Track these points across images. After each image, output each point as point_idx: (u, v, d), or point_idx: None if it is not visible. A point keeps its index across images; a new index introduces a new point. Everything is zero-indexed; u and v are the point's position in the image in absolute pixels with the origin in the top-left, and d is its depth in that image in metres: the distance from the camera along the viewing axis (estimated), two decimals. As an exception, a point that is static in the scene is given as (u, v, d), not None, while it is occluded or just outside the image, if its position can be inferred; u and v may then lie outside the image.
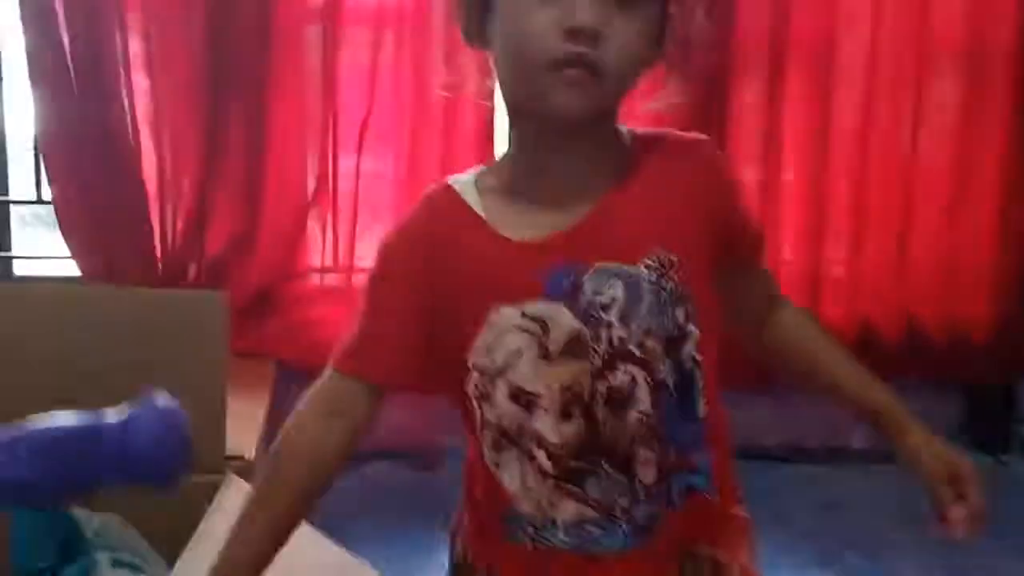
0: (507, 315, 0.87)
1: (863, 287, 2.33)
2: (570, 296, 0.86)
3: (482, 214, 0.90)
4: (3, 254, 2.28)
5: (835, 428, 2.45)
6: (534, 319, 0.87)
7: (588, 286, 0.87)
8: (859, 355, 2.28)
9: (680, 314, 0.88)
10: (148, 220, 2.11)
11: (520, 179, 0.90)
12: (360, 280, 2.16)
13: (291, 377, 2.07)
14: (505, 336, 0.87)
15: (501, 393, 0.88)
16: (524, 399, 0.87)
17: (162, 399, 1.05)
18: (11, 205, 2.32)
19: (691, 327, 0.89)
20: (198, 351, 1.40)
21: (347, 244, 2.16)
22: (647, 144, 0.92)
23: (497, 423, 0.89)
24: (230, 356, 1.49)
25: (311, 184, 2.15)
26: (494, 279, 0.87)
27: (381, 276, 0.91)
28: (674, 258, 0.88)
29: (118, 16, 2.04)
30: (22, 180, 2.30)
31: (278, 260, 2.15)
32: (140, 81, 2.09)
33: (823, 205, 2.29)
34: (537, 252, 0.87)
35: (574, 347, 0.87)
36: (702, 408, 0.91)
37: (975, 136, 2.31)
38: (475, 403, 0.90)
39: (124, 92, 2.07)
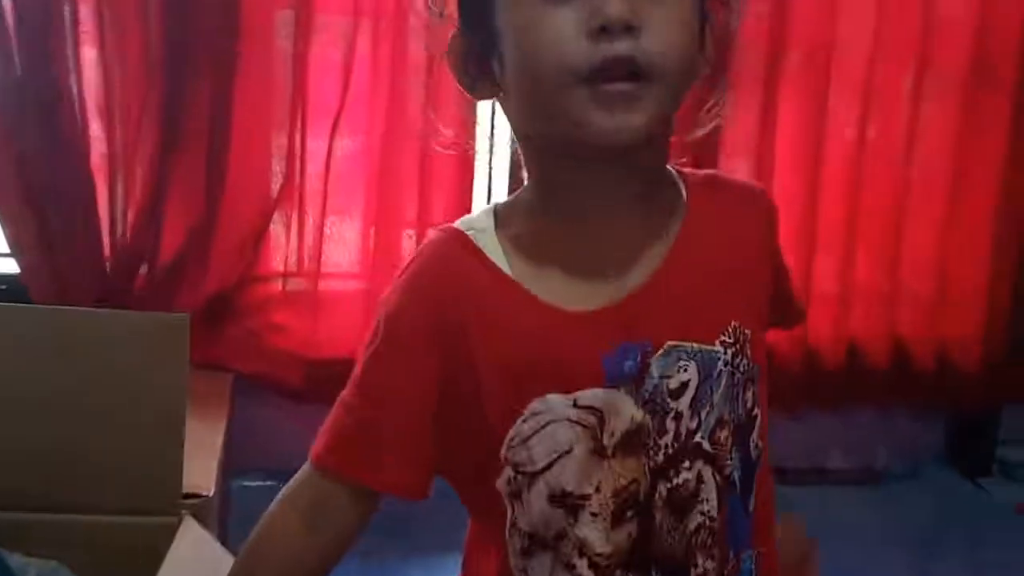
0: (555, 405, 0.71)
1: (852, 307, 2.25)
2: (634, 381, 0.72)
3: (511, 274, 0.73)
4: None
5: (814, 449, 2.39)
6: (590, 410, 0.71)
7: (655, 369, 0.72)
8: (846, 377, 2.25)
9: (749, 397, 0.77)
10: (95, 212, 1.93)
11: (555, 230, 0.74)
12: (328, 286, 2.03)
13: (250, 391, 1.93)
14: (551, 430, 0.71)
15: (538, 495, 0.73)
16: (568, 502, 0.72)
17: None
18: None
19: (757, 410, 0.78)
20: (155, 382, 1.25)
21: (314, 246, 2.01)
22: (702, 189, 0.79)
23: (530, 529, 0.74)
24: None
25: (276, 180, 1.99)
26: (538, 361, 0.72)
27: (384, 354, 0.74)
28: (748, 332, 0.76)
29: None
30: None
31: (238, 261, 1.98)
32: (90, 54, 1.90)
33: (815, 219, 2.20)
34: (593, 326, 0.72)
35: (633, 441, 0.73)
36: (753, 500, 0.78)
37: (971, 156, 2.24)
38: (507, 502, 0.74)
39: (72, 70, 1.89)
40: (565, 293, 0.73)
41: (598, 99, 0.67)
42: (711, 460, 0.74)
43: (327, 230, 2.01)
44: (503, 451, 0.73)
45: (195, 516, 1.29)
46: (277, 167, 2.00)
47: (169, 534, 1.23)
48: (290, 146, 1.98)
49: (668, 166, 0.79)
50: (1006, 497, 2.35)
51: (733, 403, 0.75)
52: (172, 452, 1.26)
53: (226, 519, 1.64)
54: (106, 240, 1.93)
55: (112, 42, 1.90)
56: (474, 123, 0.86)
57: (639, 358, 0.72)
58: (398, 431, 0.74)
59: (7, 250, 1.93)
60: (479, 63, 0.74)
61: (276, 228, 2.02)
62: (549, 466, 0.72)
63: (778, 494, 2.54)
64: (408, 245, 2.04)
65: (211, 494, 1.39)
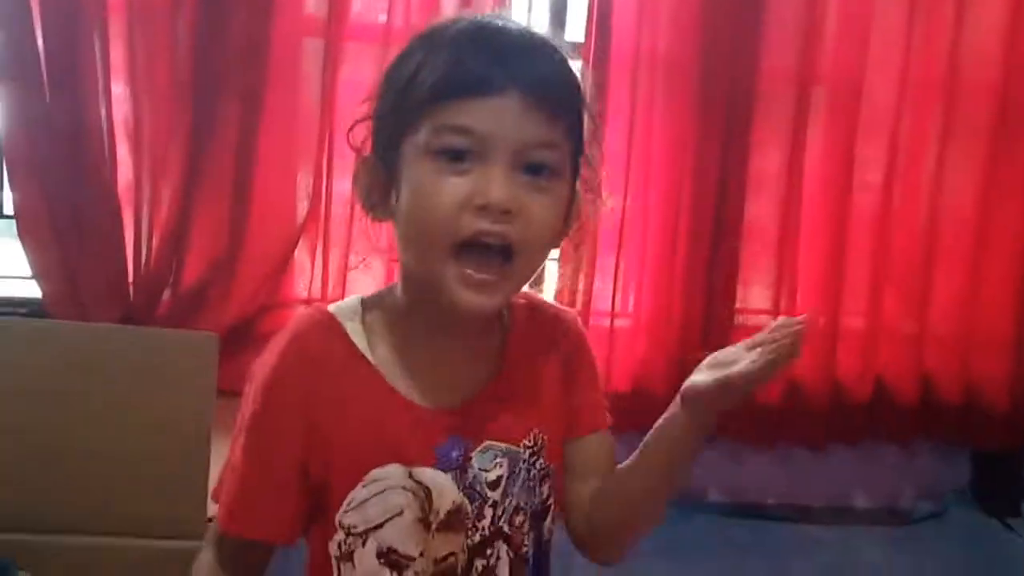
0: (394, 473, 0.84)
1: (879, 344, 2.22)
2: (458, 469, 0.86)
3: (372, 360, 0.86)
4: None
5: (840, 488, 2.35)
6: (421, 485, 0.85)
7: (476, 462, 0.87)
8: (872, 412, 2.22)
9: (545, 490, 0.91)
10: (120, 237, 1.93)
11: (415, 335, 0.87)
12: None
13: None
14: (387, 495, 0.84)
15: (369, 552, 0.85)
16: (394, 560, 0.85)
17: None
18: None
19: (551, 501, 0.92)
20: (182, 401, 1.24)
21: (338, 274, 2.00)
22: (524, 313, 0.93)
23: None
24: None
25: (302, 208, 1.99)
26: (384, 438, 0.85)
27: (259, 424, 0.85)
28: (545, 438, 0.91)
29: (99, 18, 1.88)
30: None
31: (261, 288, 1.97)
32: (120, 86, 1.92)
33: (843, 256, 2.19)
34: (433, 420, 0.86)
35: (454, 520, 0.86)
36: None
37: (1000, 195, 2.22)
38: (334, 564, 0.86)
39: (101, 96, 1.90)
40: (418, 388, 0.86)
41: (466, 282, 0.80)
42: (508, 540, 0.88)
43: (353, 257, 2.00)
44: (338, 515, 0.84)
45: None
46: (303, 194, 1.99)
47: (193, 558, 1.21)
48: (316, 173, 1.98)
49: None
50: (1035, 537, 2.31)
51: (530, 494, 0.90)
52: (197, 475, 1.24)
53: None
54: (130, 265, 1.93)
55: (141, 69, 1.92)
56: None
57: (463, 451, 0.86)
58: (270, 487, 0.85)
59: (29, 273, 1.92)
60: (382, 193, 0.83)
61: (301, 255, 2.01)
62: (381, 525, 0.84)
63: (803, 533, 2.50)
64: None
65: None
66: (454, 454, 0.86)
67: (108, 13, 1.89)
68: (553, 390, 0.92)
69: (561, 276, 2.09)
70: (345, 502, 0.84)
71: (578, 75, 0.84)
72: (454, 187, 0.78)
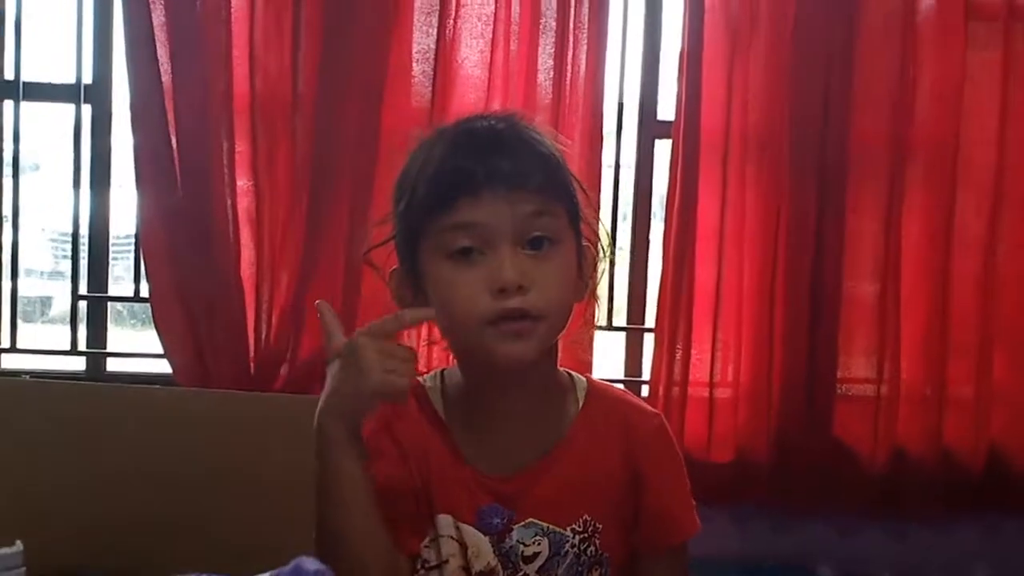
0: (446, 523, 0.98)
1: (991, 410, 2.17)
2: (497, 536, 0.97)
3: (446, 421, 0.99)
4: (97, 350, 2.26)
5: (963, 563, 2.26)
6: (462, 539, 0.97)
7: (516, 534, 0.97)
8: (989, 484, 2.15)
9: (596, 574, 0.99)
10: (243, 317, 2.07)
11: (479, 404, 0.99)
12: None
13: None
14: (442, 540, 0.97)
15: None
16: None
17: (311, 563, 0.91)
18: (108, 302, 2.31)
19: None
20: (295, 459, 1.32)
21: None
22: (600, 402, 1.02)
23: None
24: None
25: (411, 286, 2.09)
26: (444, 490, 0.97)
27: (376, 469, 0.97)
28: (599, 525, 0.99)
29: (226, 119, 2.06)
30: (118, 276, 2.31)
31: (373, 363, 2.07)
32: (243, 179, 2.09)
33: (947, 320, 2.16)
34: (483, 483, 0.97)
35: None
36: None
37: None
38: None
39: (227, 189, 2.07)
40: (477, 452, 0.98)
41: (500, 336, 0.90)
42: None
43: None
44: (420, 547, 0.98)
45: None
46: (411, 273, 2.09)
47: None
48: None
49: (571, 374, 1.03)
50: None
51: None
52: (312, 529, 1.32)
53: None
54: (251, 341, 2.06)
55: (262, 164, 2.08)
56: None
57: (505, 520, 0.97)
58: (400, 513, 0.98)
59: (160, 351, 2.08)
60: (412, 294, 0.98)
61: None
62: (439, 566, 0.98)
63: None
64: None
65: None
66: (495, 520, 0.97)
67: (234, 115, 2.07)
68: (614, 482, 0.99)
69: (657, 347, 2.13)
70: (427, 539, 0.98)
71: (553, 145, 0.96)
72: (472, 280, 0.90)
